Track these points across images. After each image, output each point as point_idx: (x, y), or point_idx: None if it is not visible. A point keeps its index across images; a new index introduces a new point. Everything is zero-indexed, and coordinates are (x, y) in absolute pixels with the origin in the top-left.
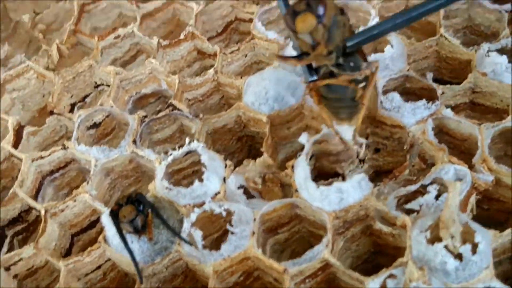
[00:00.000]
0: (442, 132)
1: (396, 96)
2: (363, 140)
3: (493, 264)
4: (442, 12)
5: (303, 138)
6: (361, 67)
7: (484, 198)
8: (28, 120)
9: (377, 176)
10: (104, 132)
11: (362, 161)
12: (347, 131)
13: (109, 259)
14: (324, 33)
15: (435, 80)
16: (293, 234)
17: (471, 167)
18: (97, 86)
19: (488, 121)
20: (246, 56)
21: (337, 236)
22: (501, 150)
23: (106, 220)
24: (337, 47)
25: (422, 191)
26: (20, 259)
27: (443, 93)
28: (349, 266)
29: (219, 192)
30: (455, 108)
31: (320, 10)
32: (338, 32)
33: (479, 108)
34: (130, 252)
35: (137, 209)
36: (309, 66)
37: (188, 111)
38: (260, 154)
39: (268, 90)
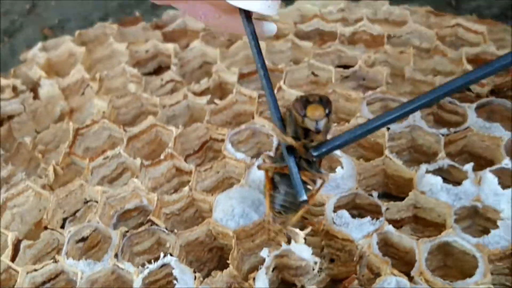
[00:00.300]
0: (388, 245)
1: (345, 213)
2: (316, 259)
3: None
4: (387, 135)
5: (264, 253)
6: (319, 171)
7: None
8: (26, 233)
9: (333, 283)
10: (91, 245)
11: (319, 270)
12: (303, 250)
13: None
14: (326, 126)
15: (384, 195)
16: None
17: (411, 279)
18: (86, 202)
19: (430, 233)
20: (218, 172)
21: None
22: (441, 261)
23: None
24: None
25: None
26: None
27: (387, 209)
28: None
29: None
30: (401, 221)
31: (329, 108)
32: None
33: (421, 222)
34: None
35: None
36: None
37: (165, 226)
38: (227, 264)
39: (234, 207)
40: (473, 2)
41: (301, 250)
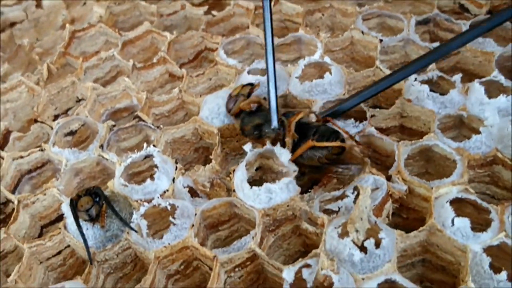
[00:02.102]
0: (370, 148)
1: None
2: (295, 167)
3: (398, 261)
4: (379, 47)
5: (247, 147)
6: None
7: (402, 208)
8: (18, 129)
9: (314, 185)
10: (80, 140)
11: (302, 174)
12: (283, 154)
13: (69, 246)
14: None
15: (374, 106)
16: (232, 232)
17: (388, 178)
18: (78, 100)
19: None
20: (210, 79)
21: (268, 232)
22: (423, 168)
23: (66, 209)
24: None
25: (343, 196)
26: None
27: (373, 115)
28: (282, 263)
29: (167, 190)
30: (387, 130)
31: None
32: None
33: (407, 131)
34: (83, 236)
35: (93, 200)
36: None
37: (152, 122)
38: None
39: (220, 106)
40: None
41: (281, 154)
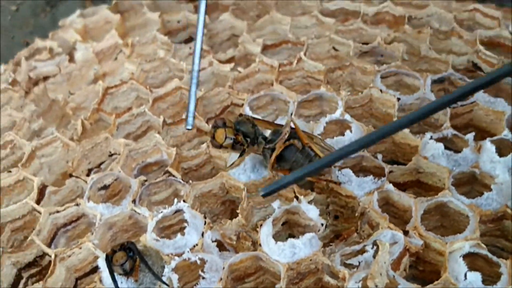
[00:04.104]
0: (389, 204)
1: (348, 172)
2: (322, 221)
3: None
4: (397, 105)
5: (276, 204)
6: None
7: (419, 260)
8: (53, 182)
9: (336, 238)
10: (112, 193)
11: (325, 226)
12: (310, 210)
13: None
14: None
15: (391, 161)
16: (258, 284)
17: (406, 233)
18: (111, 155)
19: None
20: None
21: (292, 285)
22: (438, 221)
23: (101, 263)
24: None
25: (363, 250)
26: None
27: (391, 171)
28: None
29: (197, 245)
30: (404, 185)
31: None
32: None
33: (424, 186)
34: None
35: (127, 255)
36: None
37: (181, 177)
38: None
39: (246, 163)
40: None
41: (309, 210)
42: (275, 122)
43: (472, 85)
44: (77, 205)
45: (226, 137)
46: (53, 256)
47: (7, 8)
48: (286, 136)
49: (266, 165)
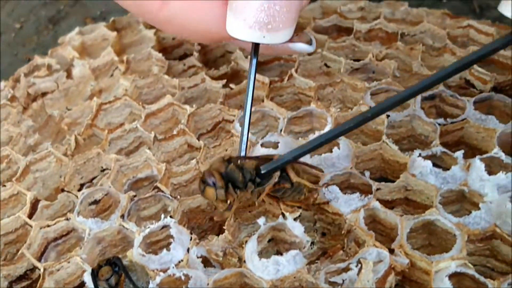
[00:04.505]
0: (375, 221)
1: (335, 189)
2: (308, 238)
3: None
4: (386, 122)
5: (261, 220)
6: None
7: (405, 279)
8: (46, 197)
9: (323, 255)
10: (103, 208)
11: (312, 243)
12: (295, 227)
13: None
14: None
15: (380, 178)
16: None
17: (391, 251)
18: (103, 170)
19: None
20: (226, 150)
21: None
22: (426, 240)
23: (87, 278)
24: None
25: (348, 268)
26: None
27: (378, 189)
28: None
29: (182, 260)
30: (393, 202)
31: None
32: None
33: (412, 204)
34: None
35: (113, 270)
36: None
37: (170, 193)
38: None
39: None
40: (496, 11)
41: (294, 227)
42: (265, 138)
43: (470, 57)
44: (67, 219)
45: (216, 197)
46: (42, 269)
47: (12, 26)
48: (276, 180)
49: (254, 200)
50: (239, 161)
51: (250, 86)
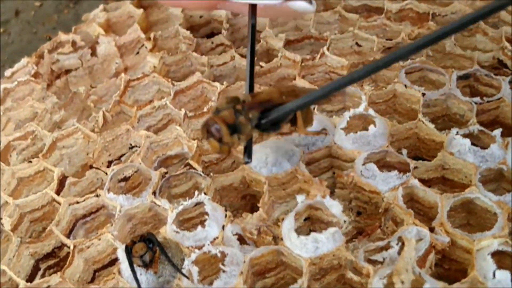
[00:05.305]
0: (413, 200)
1: (373, 167)
2: (345, 218)
3: None
4: (421, 101)
5: (300, 198)
6: None
7: (445, 259)
8: (72, 174)
9: (359, 235)
10: (132, 185)
11: (347, 223)
12: (334, 206)
13: None
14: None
15: (416, 157)
16: (278, 279)
17: (432, 229)
18: (131, 147)
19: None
20: None
21: (314, 281)
22: (464, 219)
23: (121, 254)
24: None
25: (388, 246)
26: (48, 287)
27: (416, 167)
28: None
29: (217, 237)
30: (429, 181)
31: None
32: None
33: (449, 183)
34: (137, 282)
35: (147, 246)
36: None
37: (202, 170)
38: (259, 210)
39: (268, 156)
40: None
41: (332, 205)
42: None
43: (474, 14)
44: (97, 196)
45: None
46: (71, 246)
47: (31, 4)
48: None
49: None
50: (249, 113)
51: (249, 54)
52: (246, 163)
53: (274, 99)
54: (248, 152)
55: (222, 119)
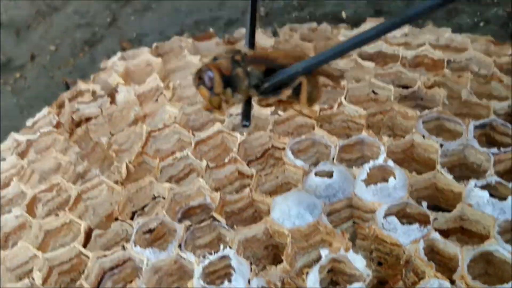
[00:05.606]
0: (433, 252)
1: (394, 219)
2: (369, 272)
3: None
4: (440, 151)
5: (324, 251)
6: None
7: None
8: (97, 223)
9: (379, 285)
10: (157, 237)
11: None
12: (357, 260)
13: None
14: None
15: (434, 207)
16: None
17: (453, 282)
18: (154, 198)
19: (474, 244)
20: (277, 177)
21: None
22: (483, 269)
23: None
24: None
25: None
26: None
27: (435, 219)
28: None
29: None
30: (448, 231)
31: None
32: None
33: (467, 233)
34: None
35: None
36: None
37: (225, 222)
38: (282, 261)
39: (291, 208)
40: None
41: (355, 260)
42: (318, 167)
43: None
44: (123, 249)
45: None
46: None
47: (47, 47)
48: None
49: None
50: (248, 67)
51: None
52: (244, 126)
53: (279, 61)
54: (246, 115)
55: (217, 67)
